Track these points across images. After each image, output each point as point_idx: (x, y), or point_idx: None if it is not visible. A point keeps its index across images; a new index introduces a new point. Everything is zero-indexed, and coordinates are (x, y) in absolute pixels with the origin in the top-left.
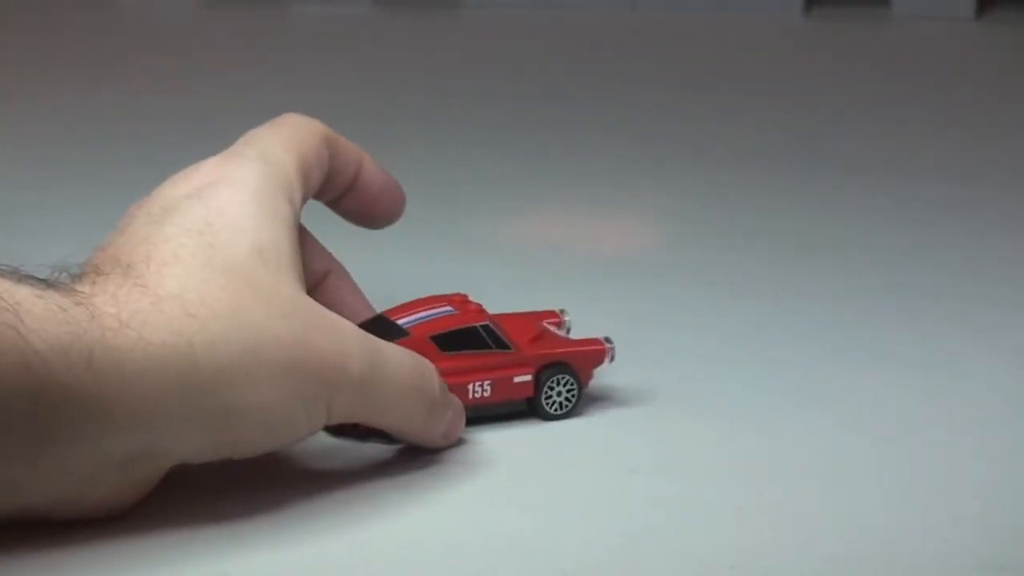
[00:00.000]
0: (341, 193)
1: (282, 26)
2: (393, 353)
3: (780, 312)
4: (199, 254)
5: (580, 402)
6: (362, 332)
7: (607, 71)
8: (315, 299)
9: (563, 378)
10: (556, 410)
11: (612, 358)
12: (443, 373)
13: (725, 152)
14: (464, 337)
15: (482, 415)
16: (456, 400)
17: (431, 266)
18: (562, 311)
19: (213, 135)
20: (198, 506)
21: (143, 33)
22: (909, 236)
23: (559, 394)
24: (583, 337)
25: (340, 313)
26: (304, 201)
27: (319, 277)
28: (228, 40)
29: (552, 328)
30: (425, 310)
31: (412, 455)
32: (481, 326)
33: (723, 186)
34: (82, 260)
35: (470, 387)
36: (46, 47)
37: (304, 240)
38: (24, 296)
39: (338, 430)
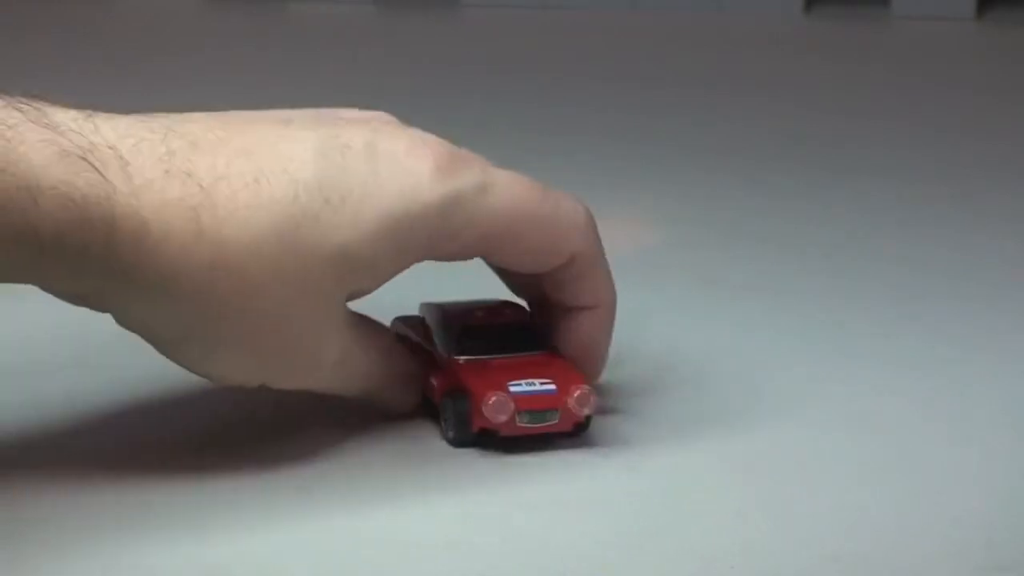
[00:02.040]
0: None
1: (282, 24)
2: (371, 357)
3: (779, 312)
4: (295, 217)
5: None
6: (345, 348)
7: (607, 71)
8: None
9: (449, 404)
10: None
11: (589, 407)
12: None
13: (724, 152)
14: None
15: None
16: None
17: (431, 265)
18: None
19: None
20: (196, 498)
21: (143, 31)
22: (909, 236)
23: (448, 416)
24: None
25: None
26: (460, 257)
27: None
28: (228, 38)
29: None
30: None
31: (412, 455)
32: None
33: (722, 186)
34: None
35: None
36: (46, 45)
37: (583, 276)
38: (50, 177)
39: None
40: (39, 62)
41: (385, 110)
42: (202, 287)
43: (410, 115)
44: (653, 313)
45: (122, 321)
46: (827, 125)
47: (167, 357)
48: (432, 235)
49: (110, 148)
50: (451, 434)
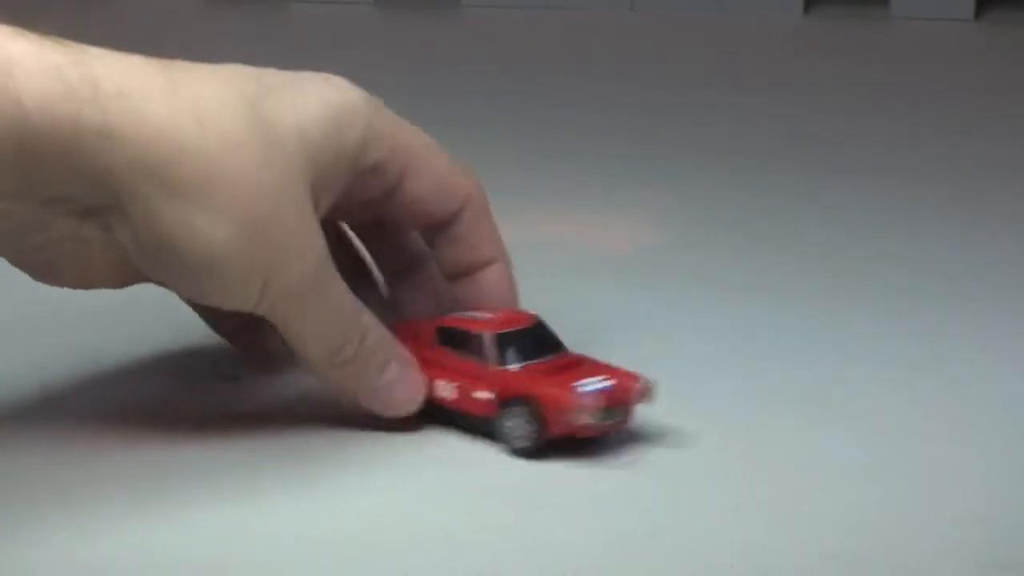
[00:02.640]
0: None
1: (283, 24)
2: (340, 291)
3: (779, 311)
4: (250, 95)
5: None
6: (326, 254)
7: (607, 71)
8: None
9: (518, 411)
10: (506, 441)
11: (649, 397)
12: (423, 362)
13: (724, 152)
14: (456, 338)
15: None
16: (403, 370)
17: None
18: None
19: None
20: (183, 487)
21: (143, 31)
22: (908, 235)
23: (514, 426)
24: (623, 371)
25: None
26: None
27: (483, 264)
28: (229, 38)
29: None
30: (478, 312)
31: (411, 456)
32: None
33: (722, 186)
34: None
35: (439, 383)
36: None
37: (479, 223)
38: (17, 49)
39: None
40: None
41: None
42: (192, 140)
43: (410, 115)
44: (653, 312)
45: (122, 233)
46: (827, 125)
47: (161, 277)
48: (364, 127)
49: (56, 37)
50: (520, 444)
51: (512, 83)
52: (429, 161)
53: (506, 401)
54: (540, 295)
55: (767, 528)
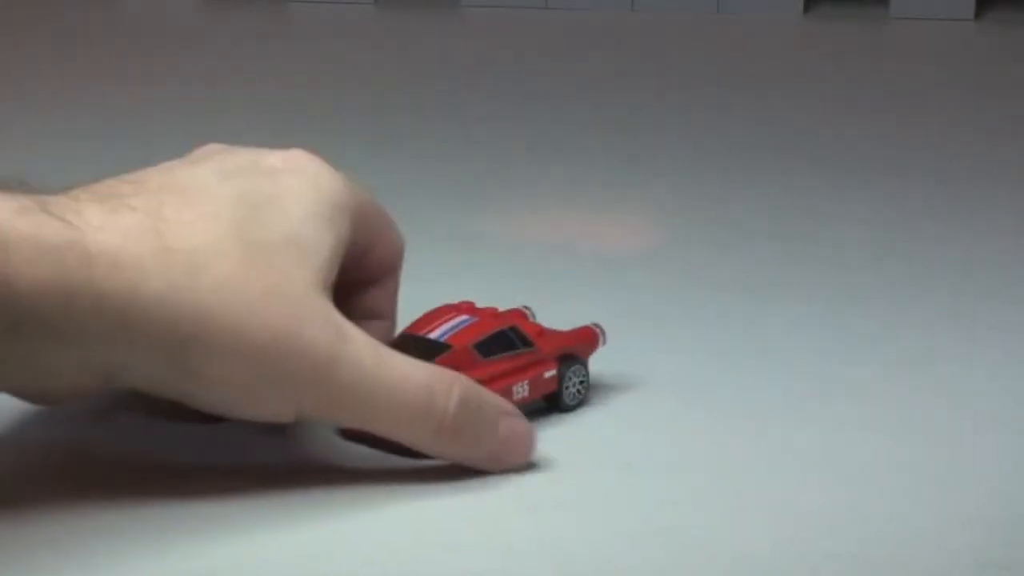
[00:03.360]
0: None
1: (283, 24)
2: (402, 367)
3: (780, 309)
4: (239, 222)
5: (588, 391)
6: (371, 341)
7: (607, 71)
8: (344, 300)
9: (577, 368)
10: (572, 400)
11: (604, 341)
12: (488, 380)
13: (724, 151)
14: (499, 341)
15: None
16: (520, 422)
17: (430, 264)
18: (526, 308)
19: (215, 134)
20: (189, 496)
21: (144, 31)
22: (908, 234)
23: (574, 384)
24: (571, 328)
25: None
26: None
27: (370, 315)
28: (228, 38)
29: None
30: (448, 321)
31: (409, 460)
32: (508, 328)
33: (722, 185)
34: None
35: (514, 389)
36: (47, 46)
37: (380, 270)
38: (16, 231)
39: (359, 438)
40: (39, 62)
41: (385, 110)
42: (189, 294)
43: (410, 115)
44: (652, 311)
45: (138, 380)
46: (826, 125)
47: (185, 400)
48: (348, 208)
49: (58, 202)
50: (581, 398)
51: (512, 83)
52: (389, 228)
53: (561, 360)
54: (539, 294)
55: (767, 528)
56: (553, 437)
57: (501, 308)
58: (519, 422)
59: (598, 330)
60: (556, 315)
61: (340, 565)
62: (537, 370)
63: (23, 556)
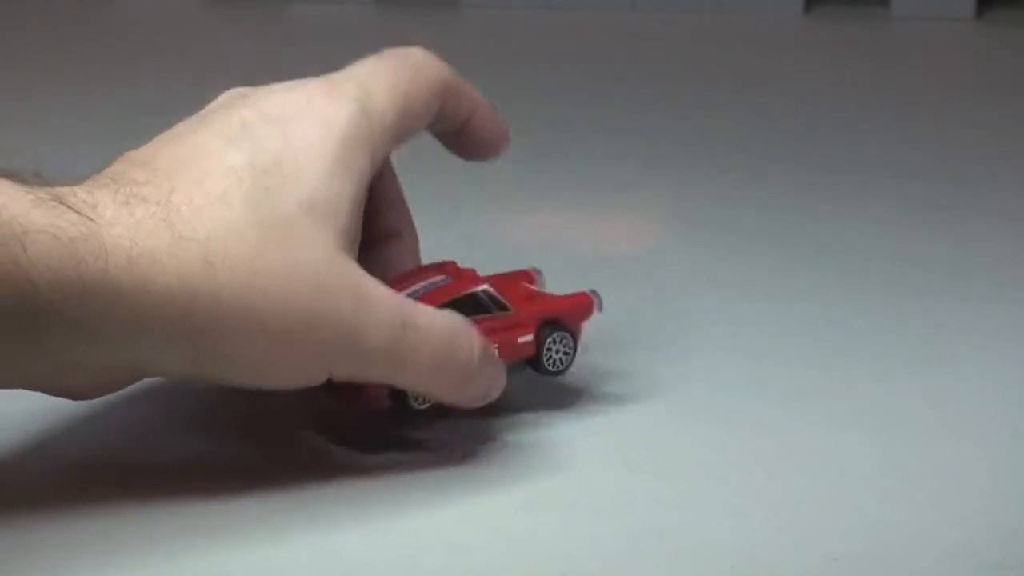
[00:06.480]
0: (443, 132)
1: (282, 25)
2: (429, 323)
3: (779, 311)
4: (251, 198)
5: (575, 357)
6: (397, 300)
7: (607, 71)
8: (374, 257)
9: (560, 335)
10: (555, 367)
11: (600, 308)
12: None
13: (724, 151)
14: (468, 303)
15: None
16: (498, 361)
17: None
18: (536, 270)
19: None
20: (196, 498)
21: (143, 31)
22: (908, 235)
23: (557, 351)
24: (568, 293)
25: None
26: (392, 149)
27: (387, 235)
28: (228, 39)
29: (534, 287)
30: (423, 280)
31: (410, 456)
32: (481, 291)
33: (722, 185)
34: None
35: None
36: (46, 46)
37: (384, 193)
38: (33, 223)
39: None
40: (39, 62)
41: None
42: (204, 284)
43: None
44: (652, 311)
45: (165, 371)
46: (827, 125)
47: (218, 382)
48: (365, 141)
49: (74, 194)
50: (566, 365)
51: (512, 83)
52: (421, 91)
53: (542, 327)
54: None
55: (768, 528)
56: (553, 438)
57: (507, 269)
58: (499, 364)
59: (593, 297)
60: None
61: (341, 566)
62: (511, 333)
63: (22, 557)
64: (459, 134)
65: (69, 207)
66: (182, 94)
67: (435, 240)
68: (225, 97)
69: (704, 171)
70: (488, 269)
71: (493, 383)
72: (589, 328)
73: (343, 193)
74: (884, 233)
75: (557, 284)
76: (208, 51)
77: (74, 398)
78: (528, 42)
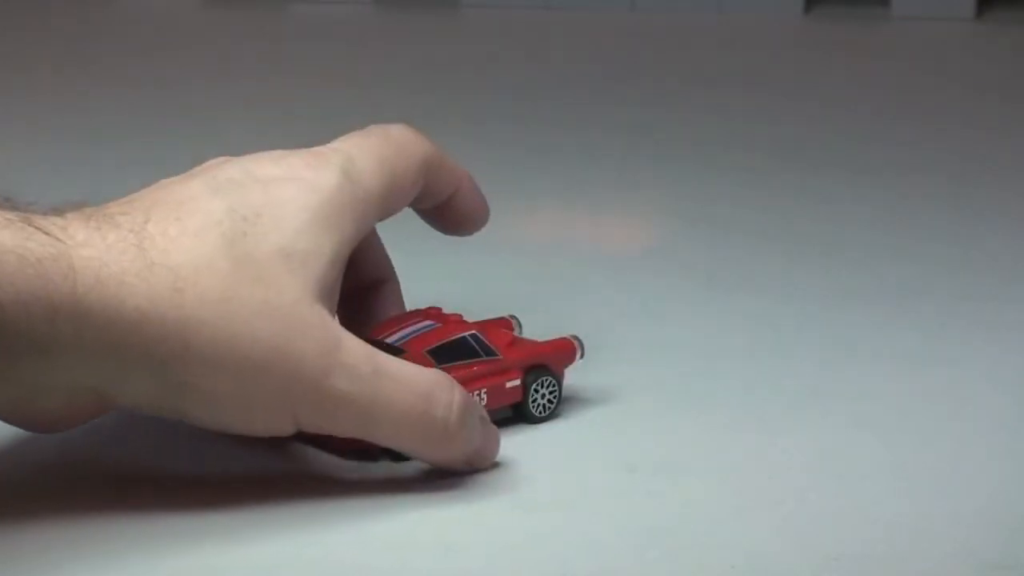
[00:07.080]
0: (428, 208)
1: (282, 25)
2: (402, 373)
3: (780, 309)
4: (227, 237)
5: (560, 402)
6: (368, 349)
7: (607, 71)
8: (358, 305)
9: (546, 380)
10: (541, 412)
11: (582, 355)
12: None
13: (724, 151)
14: (456, 348)
15: None
16: (491, 426)
17: (430, 264)
18: (513, 317)
19: (214, 134)
20: (190, 501)
21: (143, 31)
22: (908, 234)
23: (543, 396)
24: (549, 338)
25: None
26: (378, 220)
27: (370, 284)
28: (228, 39)
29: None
30: (410, 326)
31: (408, 463)
32: (470, 335)
33: (722, 185)
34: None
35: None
36: (46, 46)
37: (368, 243)
38: (1, 244)
39: (345, 450)
40: (39, 62)
41: (385, 110)
42: (173, 310)
43: (410, 115)
44: (652, 310)
45: (131, 398)
46: (827, 124)
47: (181, 418)
48: (348, 206)
49: (44, 216)
50: (551, 410)
51: (512, 83)
52: (401, 165)
53: (529, 372)
54: (538, 295)
55: (768, 528)
56: (552, 438)
57: (492, 314)
58: (492, 427)
59: (576, 343)
60: (555, 315)
61: (341, 568)
62: (498, 379)
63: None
64: (443, 210)
65: (37, 228)
66: (181, 94)
67: (434, 240)
68: (211, 162)
69: (703, 170)
70: (486, 270)
71: (482, 446)
72: (589, 328)
73: (322, 248)
74: (884, 232)
75: (558, 284)
76: (208, 51)
77: (40, 430)
78: (528, 42)
